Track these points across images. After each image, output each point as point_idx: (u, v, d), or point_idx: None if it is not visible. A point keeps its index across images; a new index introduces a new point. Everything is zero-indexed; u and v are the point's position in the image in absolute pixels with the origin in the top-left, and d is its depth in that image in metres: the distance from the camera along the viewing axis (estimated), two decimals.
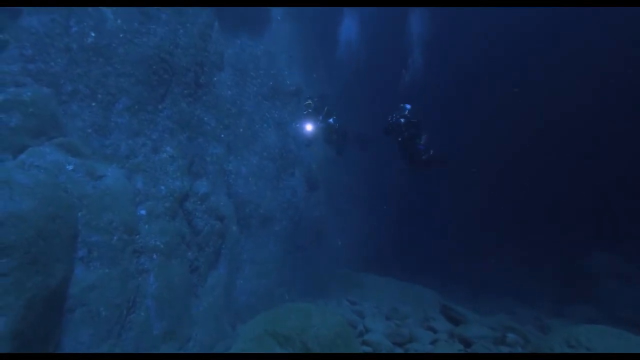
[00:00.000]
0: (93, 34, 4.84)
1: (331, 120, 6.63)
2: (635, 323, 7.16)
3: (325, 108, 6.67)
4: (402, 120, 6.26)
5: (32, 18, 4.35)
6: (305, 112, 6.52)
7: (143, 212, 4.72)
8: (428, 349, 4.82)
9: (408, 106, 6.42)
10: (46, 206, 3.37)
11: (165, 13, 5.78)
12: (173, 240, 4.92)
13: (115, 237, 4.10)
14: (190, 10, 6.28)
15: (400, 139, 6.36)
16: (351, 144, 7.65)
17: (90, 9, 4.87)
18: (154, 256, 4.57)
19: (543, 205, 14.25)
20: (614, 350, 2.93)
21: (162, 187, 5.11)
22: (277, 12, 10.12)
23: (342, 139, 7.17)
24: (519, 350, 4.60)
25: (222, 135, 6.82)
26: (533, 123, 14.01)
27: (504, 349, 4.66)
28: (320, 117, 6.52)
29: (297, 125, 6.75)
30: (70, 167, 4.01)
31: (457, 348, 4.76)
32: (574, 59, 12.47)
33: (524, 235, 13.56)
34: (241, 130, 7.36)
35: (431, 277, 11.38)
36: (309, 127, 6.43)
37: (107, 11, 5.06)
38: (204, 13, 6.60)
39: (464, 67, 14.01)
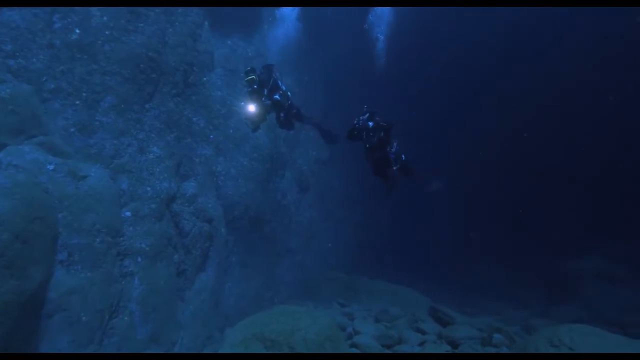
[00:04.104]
0: (78, 31, 4.72)
1: (277, 96, 5.54)
2: (619, 323, 7.35)
3: (271, 80, 5.56)
4: (371, 124, 5.34)
5: (13, 12, 4.21)
6: (249, 90, 5.41)
7: (128, 213, 4.61)
8: (416, 350, 4.83)
9: (366, 115, 5.44)
10: (25, 207, 3.24)
11: (153, 11, 5.69)
12: (159, 242, 4.81)
13: (97, 240, 3.98)
14: (179, 9, 6.19)
15: (368, 146, 5.40)
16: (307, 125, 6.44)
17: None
18: (139, 259, 4.46)
19: (529, 207, 14.53)
20: (594, 350, 3.00)
21: (148, 188, 5.00)
22: (268, 12, 10.09)
23: (297, 118, 6.06)
24: (505, 350, 4.66)
25: (211, 136, 6.73)
26: (518, 126, 14.29)
27: (490, 350, 4.71)
28: (265, 92, 5.46)
29: (242, 103, 5.61)
30: (51, 167, 3.88)
31: (444, 349, 4.79)
32: (559, 61, 12.78)
33: (512, 237, 13.80)
34: (231, 131, 7.28)
35: (421, 280, 11.45)
36: (251, 108, 5.34)
37: (93, 7, 4.94)
38: (194, 12, 6.52)
39: (448, 66, 14.16)
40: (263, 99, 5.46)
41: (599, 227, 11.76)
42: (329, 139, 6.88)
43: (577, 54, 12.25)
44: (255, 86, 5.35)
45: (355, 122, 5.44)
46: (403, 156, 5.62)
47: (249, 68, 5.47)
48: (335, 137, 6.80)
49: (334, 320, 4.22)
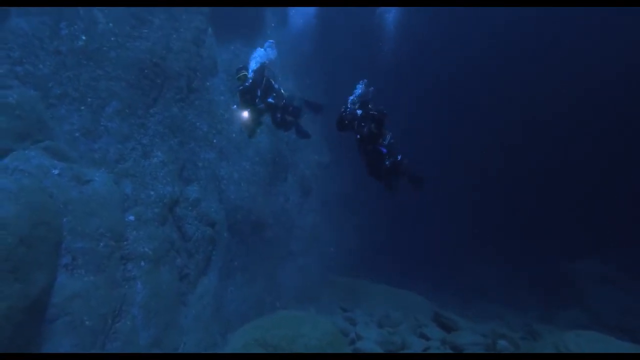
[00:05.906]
0: (84, 37, 4.79)
1: (270, 99, 5.31)
2: (619, 326, 7.27)
3: (264, 80, 5.28)
4: (360, 112, 4.93)
5: (21, 19, 4.28)
6: (240, 88, 5.15)
7: (131, 217, 4.63)
8: None
9: (359, 87, 4.99)
10: (29, 212, 3.27)
11: (158, 18, 5.76)
12: (162, 246, 4.82)
13: (101, 244, 4.00)
14: (183, 15, 6.27)
15: (358, 136, 5.01)
16: (305, 114, 6.11)
17: (81, 11, 4.83)
18: (142, 263, 4.47)
19: (530, 209, 14.46)
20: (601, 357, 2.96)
21: (152, 193, 5.02)
22: (271, 18, 10.18)
23: (294, 115, 5.82)
24: None
25: (215, 141, 6.77)
26: (520, 128, 14.28)
27: None
28: (258, 94, 5.21)
29: (234, 107, 5.39)
30: (56, 172, 3.91)
31: None
32: (560, 62, 12.76)
33: (512, 239, 13.71)
34: (234, 135, 7.32)
35: (421, 281, 11.39)
36: (245, 114, 5.14)
37: (99, 14, 5.02)
38: (197, 18, 6.60)
39: (448, 65, 14.16)
40: (257, 100, 5.26)
41: (600, 229, 11.67)
42: (311, 108, 6.43)
43: (578, 55, 12.26)
44: (247, 83, 5.15)
45: (342, 110, 5.06)
46: (399, 157, 5.21)
47: (241, 66, 5.30)
48: (319, 107, 6.38)
49: (336, 326, 4.20)
